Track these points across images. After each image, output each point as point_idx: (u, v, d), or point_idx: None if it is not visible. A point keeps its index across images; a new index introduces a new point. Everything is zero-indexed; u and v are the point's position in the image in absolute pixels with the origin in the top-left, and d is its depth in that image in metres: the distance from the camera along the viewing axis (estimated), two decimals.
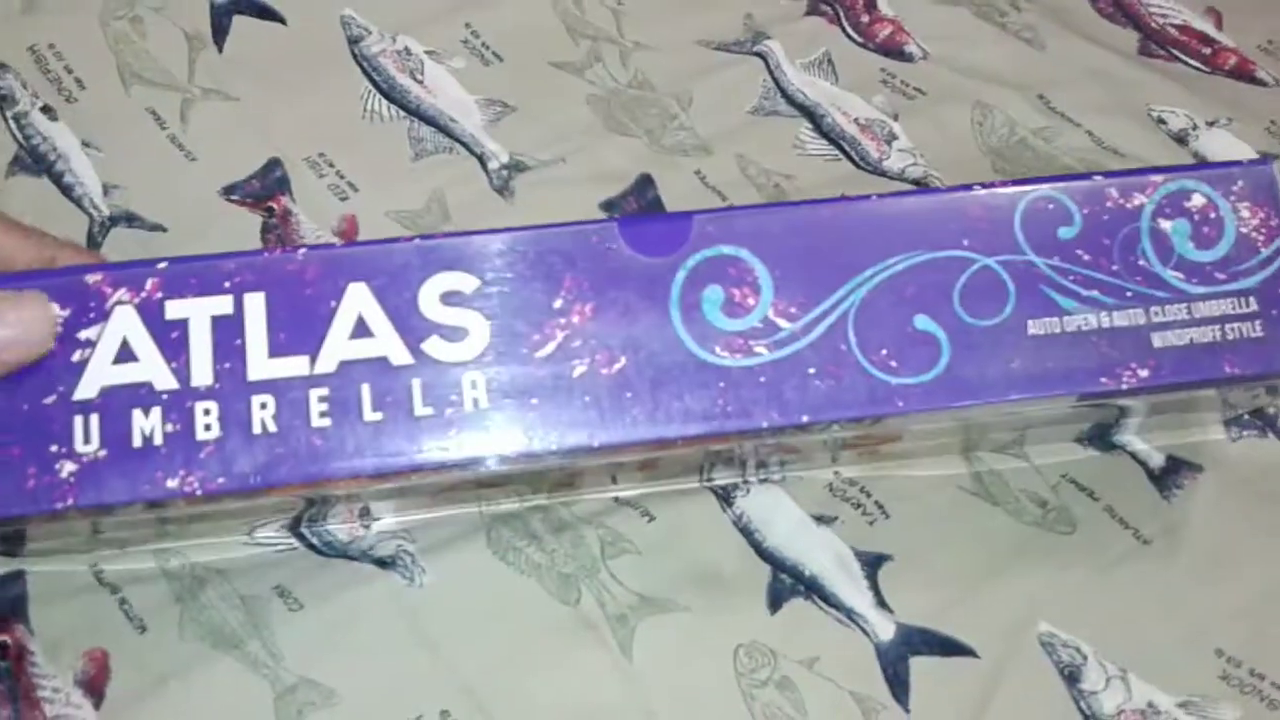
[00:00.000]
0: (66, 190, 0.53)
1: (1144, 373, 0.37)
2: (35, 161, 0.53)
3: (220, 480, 0.35)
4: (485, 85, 0.57)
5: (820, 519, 0.45)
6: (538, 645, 0.42)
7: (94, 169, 0.53)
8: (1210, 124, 0.58)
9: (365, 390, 0.35)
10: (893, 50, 0.60)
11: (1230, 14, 0.63)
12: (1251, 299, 0.38)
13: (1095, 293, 0.38)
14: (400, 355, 0.36)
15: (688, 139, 0.56)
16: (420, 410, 0.35)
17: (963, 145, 0.56)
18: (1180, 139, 0.58)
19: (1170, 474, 0.47)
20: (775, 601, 0.43)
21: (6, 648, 0.40)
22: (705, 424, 0.36)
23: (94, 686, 0.40)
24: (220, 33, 0.58)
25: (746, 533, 0.45)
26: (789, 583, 0.44)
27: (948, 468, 0.47)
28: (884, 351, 0.37)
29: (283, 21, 0.59)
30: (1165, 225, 0.39)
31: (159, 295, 0.36)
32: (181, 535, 0.43)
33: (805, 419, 0.36)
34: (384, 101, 0.57)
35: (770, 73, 0.59)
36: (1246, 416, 0.49)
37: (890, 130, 0.57)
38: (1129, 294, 0.38)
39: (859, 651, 0.43)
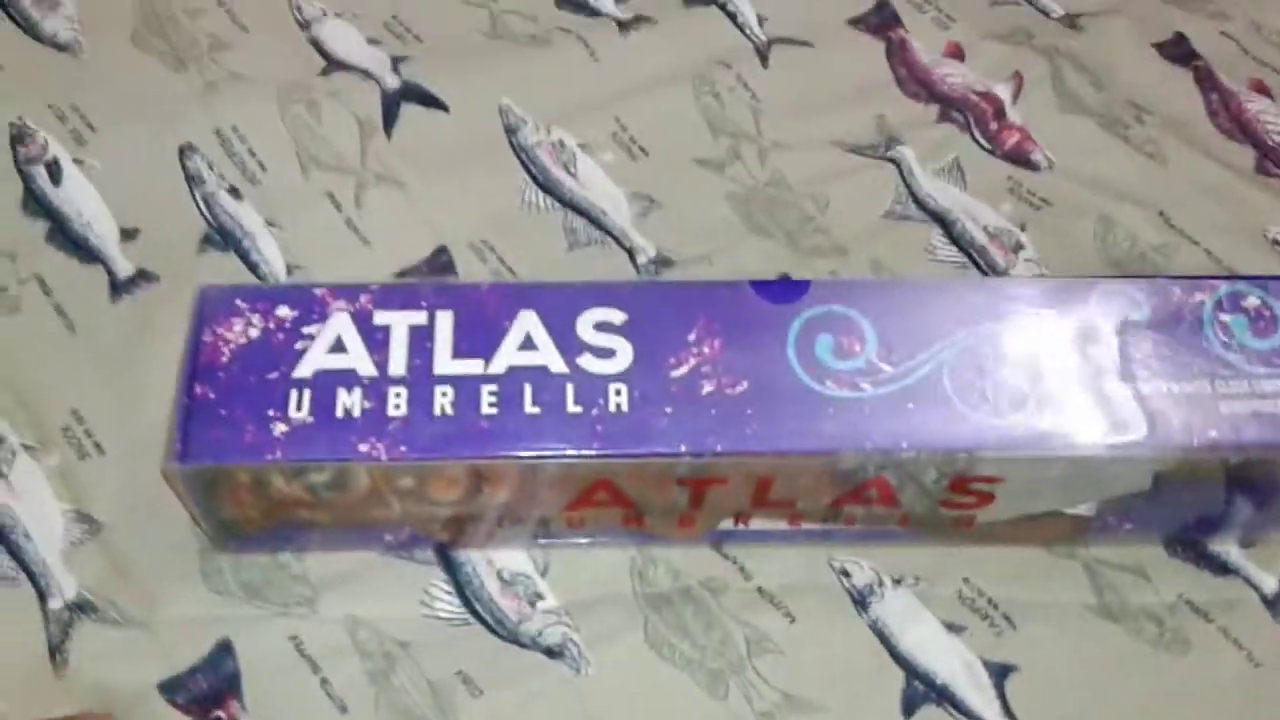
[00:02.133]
0: (253, 268, 0.57)
1: (1213, 433, 0.44)
2: (224, 239, 0.58)
3: (402, 449, 0.42)
4: (632, 179, 0.61)
5: (951, 627, 0.49)
6: None
7: (278, 247, 0.58)
8: None
9: (527, 389, 0.44)
10: (1020, 158, 0.63)
11: None
12: None
13: (1166, 366, 0.45)
14: (558, 365, 0.44)
15: (824, 241, 0.60)
16: (572, 408, 0.43)
17: (1085, 257, 0.59)
18: None
19: None
20: (909, 707, 0.47)
21: None
22: (815, 442, 0.43)
23: None
24: (390, 120, 0.62)
25: (882, 637, 0.48)
26: (921, 689, 0.47)
27: (1072, 583, 0.50)
28: (975, 396, 0.44)
29: (445, 109, 0.63)
30: (1225, 318, 0.46)
31: (370, 307, 0.45)
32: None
33: (904, 445, 0.43)
34: (540, 193, 0.61)
35: (903, 178, 0.62)
36: None
37: (1017, 240, 0.60)
38: (1194, 369, 0.45)
39: None
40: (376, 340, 0.45)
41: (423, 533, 0.49)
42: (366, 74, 0.64)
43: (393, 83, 0.63)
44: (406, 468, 0.43)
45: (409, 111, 0.63)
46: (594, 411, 0.44)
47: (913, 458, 0.44)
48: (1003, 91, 0.65)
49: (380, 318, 0.45)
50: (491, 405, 0.44)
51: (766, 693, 0.47)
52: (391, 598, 0.48)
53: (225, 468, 0.43)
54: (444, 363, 0.44)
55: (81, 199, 0.58)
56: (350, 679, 0.46)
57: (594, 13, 0.67)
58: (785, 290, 0.47)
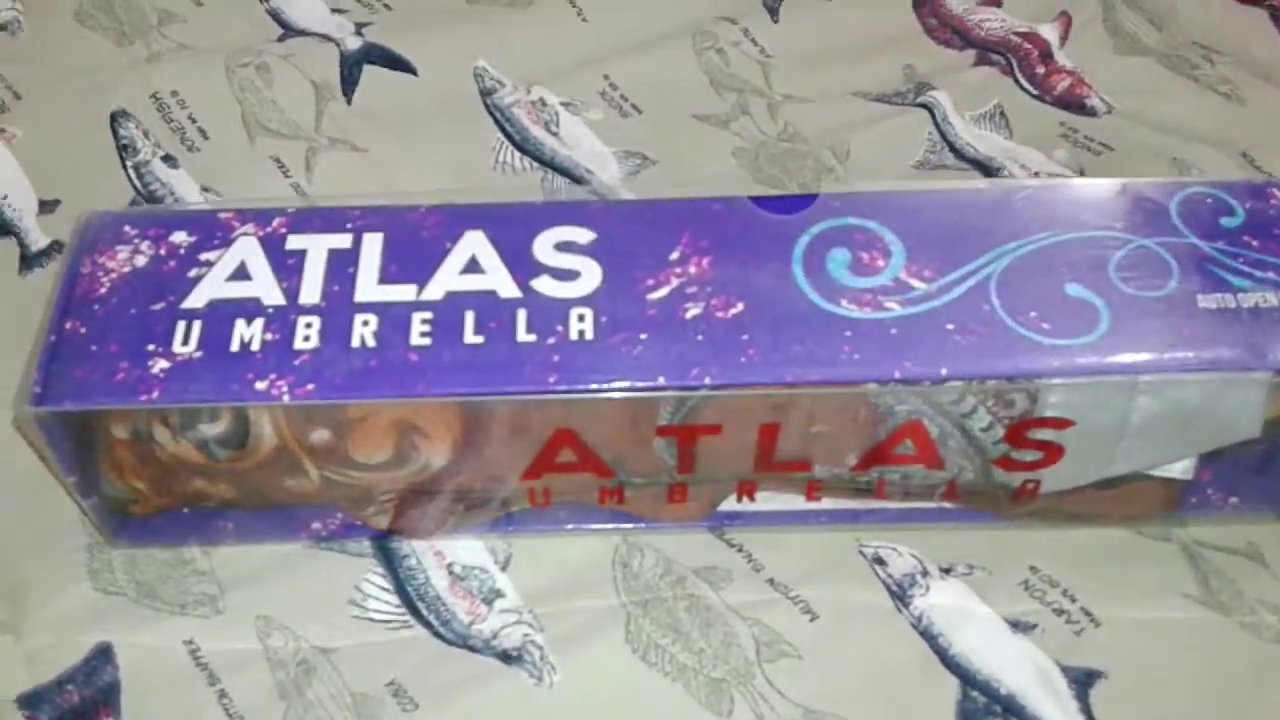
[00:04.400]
0: None
1: None
2: (149, 203, 0.50)
3: (310, 386, 0.34)
4: (623, 138, 0.53)
5: (1017, 625, 0.38)
6: None
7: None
8: None
9: (469, 317, 0.35)
10: (1073, 104, 0.54)
11: None
12: None
13: (1271, 274, 0.36)
14: (509, 289, 0.36)
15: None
16: (523, 336, 0.35)
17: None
18: None
19: None
20: None
21: None
22: (829, 370, 0.34)
23: None
24: (350, 83, 0.55)
25: (929, 637, 0.38)
26: (982, 702, 0.37)
27: (1168, 570, 0.39)
28: (1033, 314, 0.35)
29: (414, 72, 0.56)
30: None
31: (283, 231, 0.38)
32: None
33: (944, 371, 0.34)
34: (516, 153, 0.53)
35: (937, 125, 0.53)
36: None
37: None
38: None
39: None
40: (288, 267, 0.37)
41: (358, 518, 0.40)
42: (325, 38, 0.57)
43: (353, 45, 0.57)
44: (317, 412, 0.35)
45: (372, 74, 0.56)
46: (550, 340, 0.35)
47: (956, 392, 0.35)
48: (1049, 33, 0.57)
49: (295, 242, 0.38)
50: (424, 335, 0.35)
51: (782, 707, 0.36)
52: (315, 596, 0.39)
53: (93, 414, 0.35)
54: (368, 289, 0.36)
55: None
56: (254, 692, 0.36)
57: None
58: (788, 203, 0.38)
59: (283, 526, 0.40)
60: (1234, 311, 0.35)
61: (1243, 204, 0.38)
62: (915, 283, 0.36)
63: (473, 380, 0.34)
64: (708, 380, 0.34)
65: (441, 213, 0.38)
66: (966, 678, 0.37)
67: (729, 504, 0.40)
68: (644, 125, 0.54)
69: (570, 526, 0.40)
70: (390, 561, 0.40)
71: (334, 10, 0.59)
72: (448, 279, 0.36)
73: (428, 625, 0.38)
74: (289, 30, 0.58)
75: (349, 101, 0.55)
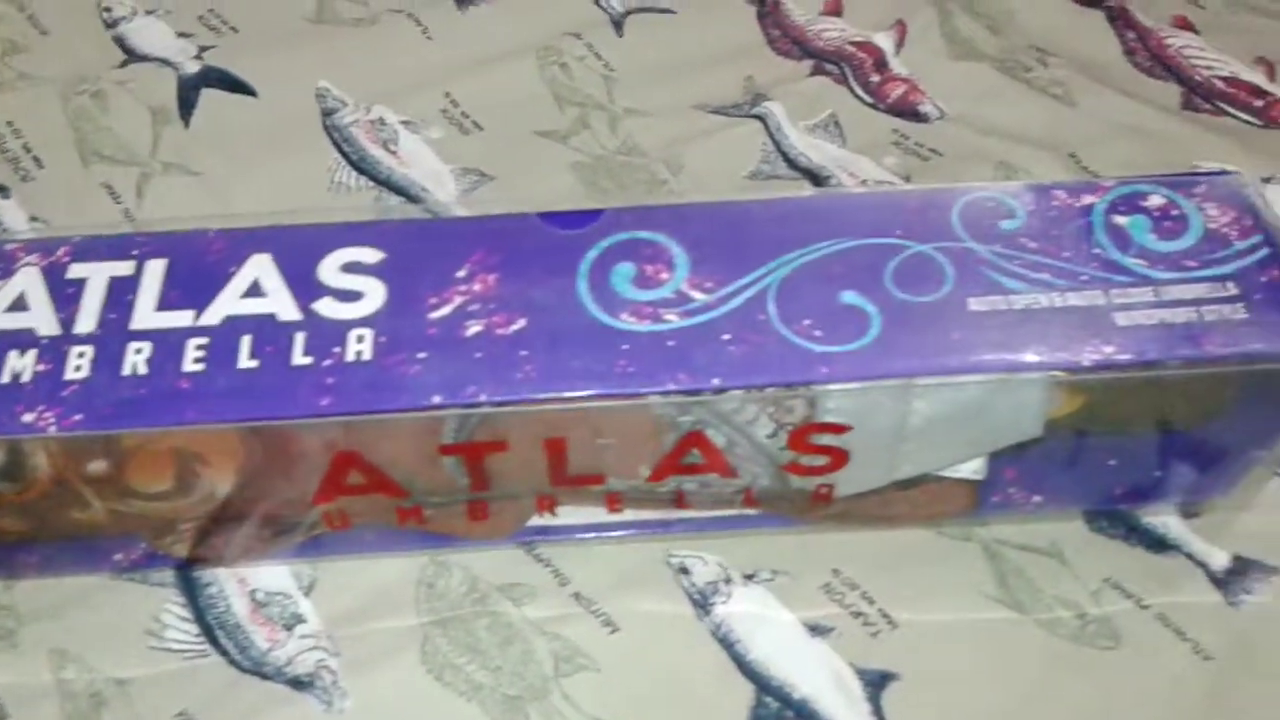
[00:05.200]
0: None
1: (1108, 348, 0.35)
2: None
3: (78, 417, 0.34)
4: (463, 155, 0.53)
5: (815, 629, 0.39)
6: None
7: None
8: (1266, 180, 0.52)
9: (246, 341, 0.35)
10: (906, 110, 0.55)
11: None
12: (1231, 284, 0.36)
13: (1045, 275, 0.36)
14: (289, 312, 0.36)
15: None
16: (299, 360, 0.35)
17: None
18: None
19: (1238, 576, 0.40)
20: None
21: None
22: (603, 383, 0.35)
23: None
24: (187, 107, 0.55)
25: (726, 644, 0.38)
26: (775, 707, 0.37)
27: (967, 570, 0.40)
28: (807, 322, 0.35)
29: (253, 94, 0.56)
30: (1120, 220, 0.38)
31: (66, 260, 0.37)
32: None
33: (716, 381, 0.35)
34: (352, 173, 0.53)
35: (771, 136, 0.54)
36: None
37: None
38: (1084, 278, 0.36)
39: None
40: (67, 296, 0.37)
41: (159, 548, 0.39)
42: (165, 63, 0.57)
43: (191, 69, 0.56)
44: (90, 443, 0.34)
45: (211, 97, 0.56)
46: (326, 363, 0.35)
47: (735, 401, 0.35)
48: (883, 41, 0.57)
49: (77, 271, 0.37)
50: (198, 361, 0.35)
51: None
52: (113, 628, 0.38)
53: None
54: (145, 316, 0.36)
55: None
56: None
57: None
58: (576, 218, 0.38)
59: (85, 559, 0.39)
60: (1004, 314, 0.36)
61: (1025, 206, 0.38)
62: (696, 294, 0.36)
63: (243, 406, 0.34)
64: (482, 398, 0.34)
65: (229, 237, 0.38)
66: (761, 683, 0.37)
67: (541, 519, 0.40)
68: (484, 142, 0.54)
69: (379, 549, 0.40)
70: (191, 590, 0.39)
71: (180, 34, 0.59)
72: (228, 303, 0.36)
73: (224, 653, 0.38)
74: (132, 56, 0.58)
75: (186, 125, 0.55)
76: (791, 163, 0.53)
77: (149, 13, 0.59)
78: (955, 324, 0.36)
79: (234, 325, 0.36)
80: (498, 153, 0.54)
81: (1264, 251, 0.37)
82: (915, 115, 0.55)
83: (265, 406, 0.34)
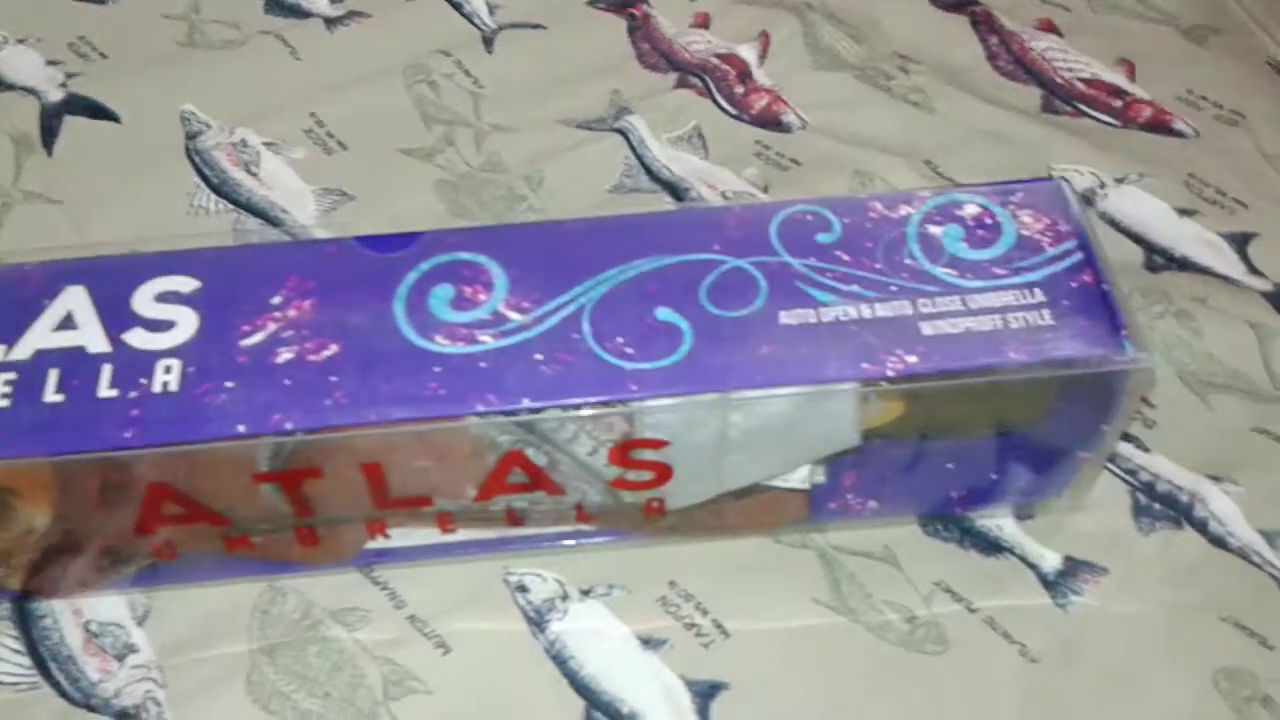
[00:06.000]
0: None
1: (912, 359, 0.35)
2: None
3: None
4: (326, 175, 0.53)
5: (648, 642, 0.39)
6: None
7: None
8: (1120, 181, 0.52)
9: (53, 375, 0.35)
10: (769, 121, 0.55)
11: (1144, 65, 0.58)
12: (1038, 290, 0.37)
13: (855, 287, 0.37)
14: (98, 344, 0.36)
15: (538, 220, 0.51)
16: (104, 392, 0.35)
17: None
18: (1086, 199, 0.52)
19: (1067, 577, 0.40)
20: None
21: None
22: (412, 407, 0.35)
23: None
24: (50, 135, 0.55)
25: (559, 661, 0.38)
26: None
27: (802, 577, 0.40)
28: (619, 339, 0.36)
29: (116, 120, 0.56)
30: (934, 230, 0.38)
31: None
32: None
33: (526, 401, 0.35)
34: (211, 195, 0.53)
35: (633, 149, 0.54)
36: (1159, 506, 0.42)
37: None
38: (893, 288, 0.37)
39: None
40: None
41: None
42: (30, 91, 0.57)
43: (55, 96, 0.56)
44: None
45: (75, 125, 0.55)
46: (132, 394, 0.35)
47: (553, 421, 0.35)
48: (747, 53, 0.58)
49: None
50: (4, 397, 0.35)
51: None
52: None
53: None
54: None
55: None
56: None
57: (304, 14, 0.60)
58: (395, 241, 0.39)
59: None
60: (813, 326, 0.36)
61: (841, 219, 0.39)
62: (512, 315, 0.37)
63: (47, 440, 0.34)
64: (288, 426, 0.34)
65: (45, 270, 0.38)
66: (591, 699, 0.38)
67: (379, 541, 0.40)
68: (348, 161, 0.54)
69: (217, 576, 0.40)
70: (25, 622, 0.39)
71: (49, 62, 0.58)
72: (39, 337, 0.36)
73: (55, 685, 0.38)
74: (0, 85, 0.57)
75: (49, 153, 0.54)
76: (653, 176, 0.53)
77: (19, 41, 0.59)
78: (765, 338, 0.36)
79: (43, 358, 0.36)
80: (361, 172, 0.54)
81: (1076, 257, 0.38)
82: (778, 125, 0.55)
83: (68, 440, 0.34)
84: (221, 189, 0.53)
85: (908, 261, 0.38)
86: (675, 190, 0.53)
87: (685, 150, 0.54)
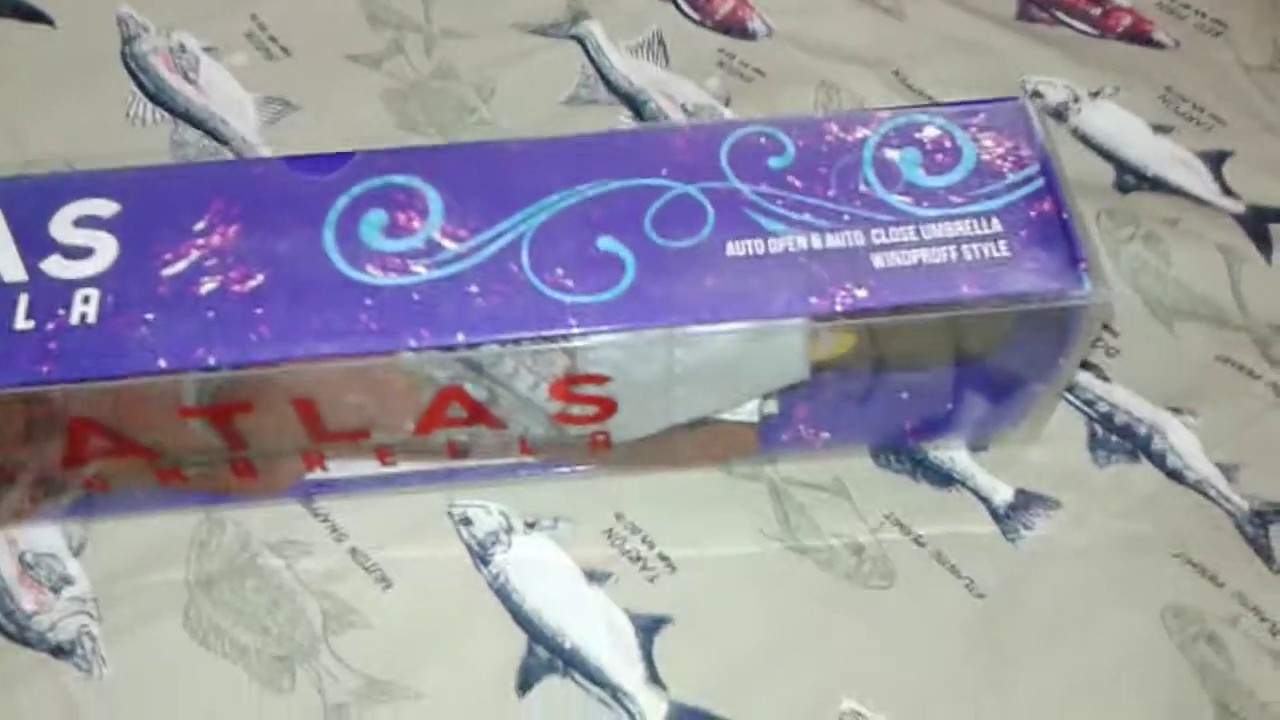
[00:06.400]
0: None
1: (861, 293, 0.34)
2: None
3: None
4: (267, 82, 0.51)
5: (593, 575, 0.38)
6: None
7: None
8: (1095, 95, 0.50)
9: None
10: (734, 27, 0.53)
11: None
12: (995, 220, 0.35)
13: (806, 216, 0.35)
14: (14, 272, 0.34)
15: (487, 134, 0.49)
16: (21, 324, 0.33)
17: None
18: (1058, 114, 0.50)
19: (1019, 510, 0.40)
20: (526, 683, 0.36)
21: None
22: (342, 342, 0.33)
23: None
24: None
25: (503, 595, 0.38)
26: (545, 657, 0.37)
27: (751, 510, 0.40)
28: (559, 271, 0.34)
29: (50, 23, 0.53)
30: (891, 154, 0.36)
31: None
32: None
33: (461, 337, 0.33)
34: (149, 105, 0.50)
35: (590, 58, 0.52)
36: (1116, 439, 0.41)
37: (721, 117, 0.50)
38: (846, 217, 0.35)
39: None
40: None
41: None
42: None
43: None
44: None
45: (5, 28, 0.52)
46: (50, 326, 0.33)
47: (491, 355, 0.34)
48: None
49: None
50: None
51: (345, 678, 0.36)
52: None
53: None
54: None
55: None
56: None
57: None
58: (326, 161, 0.37)
59: None
60: (760, 258, 0.35)
61: (795, 142, 0.37)
62: (448, 244, 0.35)
63: None
64: (211, 361, 0.33)
65: None
66: (534, 633, 0.37)
67: (319, 473, 0.39)
68: (292, 68, 0.52)
69: (154, 507, 0.39)
70: None
71: None
72: None
73: None
74: None
75: None
76: (611, 87, 0.51)
77: None
78: (710, 270, 0.34)
79: None
80: (305, 79, 0.51)
81: (1037, 183, 0.36)
82: (743, 32, 0.53)
83: None
84: (158, 97, 0.51)
85: (862, 188, 0.36)
86: (634, 102, 0.50)
87: (645, 58, 0.52)
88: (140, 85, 0.51)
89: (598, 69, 0.52)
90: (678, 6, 0.54)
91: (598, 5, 0.53)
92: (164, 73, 0.51)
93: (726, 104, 0.50)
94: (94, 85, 0.51)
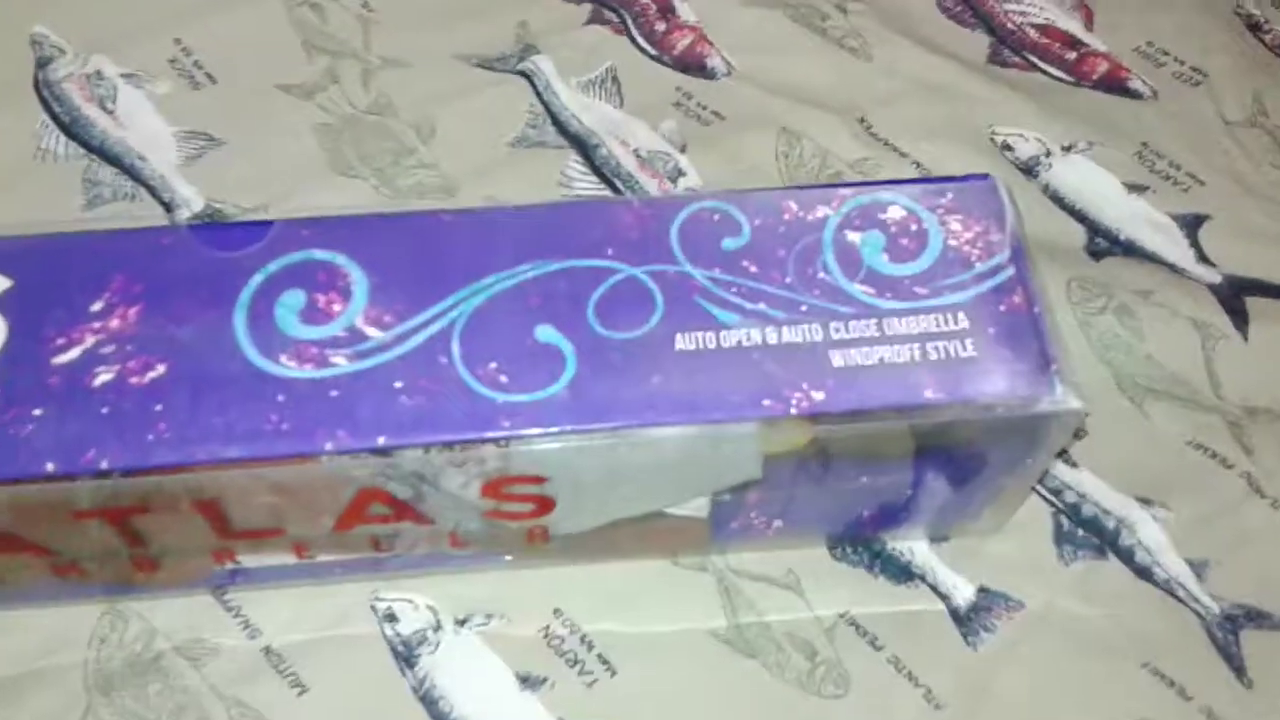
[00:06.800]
0: None
1: (818, 395, 0.31)
2: None
3: None
4: (190, 114, 0.47)
5: (527, 680, 0.36)
6: None
7: None
8: (1067, 149, 0.48)
9: None
10: (692, 64, 0.50)
11: (1104, 11, 0.53)
12: (961, 315, 0.33)
13: (762, 306, 0.33)
14: None
15: (428, 178, 0.46)
16: None
17: (763, 181, 0.46)
18: (1028, 169, 0.48)
19: (980, 612, 0.38)
20: None
21: None
22: (248, 445, 0.30)
23: None
24: None
25: (428, 702, 0.35)
26: None
27: (698, 605, 0.37)
28: (493, 365, 0.31)
29: None
30: (853, 237, 0.34)
31: None
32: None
33: (382, 440, 0.30)
34: (62, 137, 0.47)
35: (539, 95, 0.49)
36: (1082, 533, 0.39)
37: (676, 165, 0.47)
38: (804, 308, 0.33)
39: None
40: None
41: None
42: None
43: None
44: None
45: None
46: None
47: (412, 459, 0.31)
48: None
49: None
50: None
51: None
52: None
53: None
54: None
55: None
56: None
57: None
58: (241, 232, 0.34)
59: None
60: (711, 353, 0.32)
61: (751, 220, 0.34)
62: (372, 331, 0.32)
63: None
64: (104, 464, 0.30)
65: None
66: None
67: (231, 563, 0.36)
68: (218, 98, 0.48)
69: (52, 598, 0.36)
70: None
71: None
72: None
73: None
74: None
75: None
76: (561, 127, 0.48)
77: None
78: (657, 366, 0.32)
79: None
80: (231, 111, 0.48)
81: (1008, 272, 0.34)
82: (701, 70, 0.50)
83: None
84: (72, 129, 0.47)
85: (821, 275, 0.33)
86: (584, 145, 0.47)
87: (598, 96, 0.49)
88: (53, 115, 0.47)
89: (546, 108, 0.49)
90: (633, 40, 0.51)
91: (548, 38, 0.50)
92: (79, 101, 0.48)
93: (683, 150, 0.47)
94: (4, 114, 0.47)
